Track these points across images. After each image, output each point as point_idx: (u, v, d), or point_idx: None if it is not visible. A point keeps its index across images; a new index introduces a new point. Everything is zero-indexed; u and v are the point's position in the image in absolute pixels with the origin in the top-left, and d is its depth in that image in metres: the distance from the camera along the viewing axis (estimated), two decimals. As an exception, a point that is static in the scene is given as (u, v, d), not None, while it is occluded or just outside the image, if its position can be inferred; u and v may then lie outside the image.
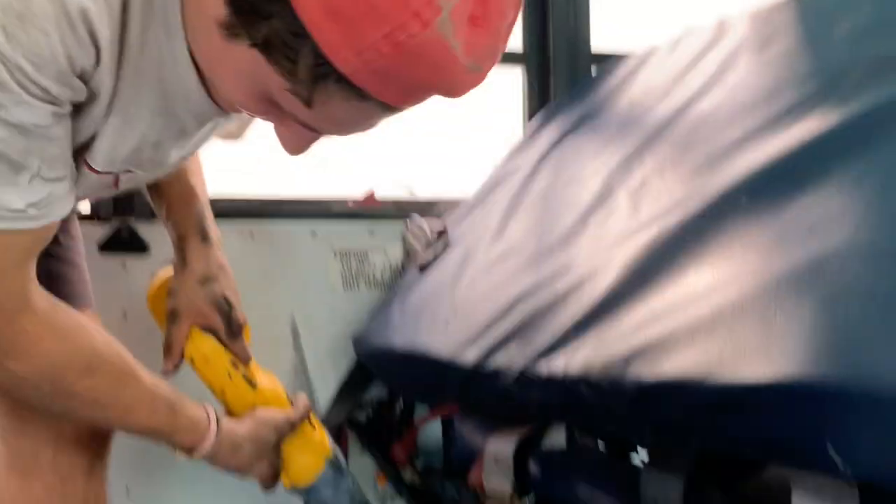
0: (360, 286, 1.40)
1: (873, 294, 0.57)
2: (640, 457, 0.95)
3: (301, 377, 1.35)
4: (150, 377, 0.87)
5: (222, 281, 0.98)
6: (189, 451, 0.91)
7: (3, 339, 0.74)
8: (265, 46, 0.58)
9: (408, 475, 1.23)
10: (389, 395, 1.32)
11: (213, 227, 1.00)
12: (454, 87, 0.61)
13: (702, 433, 0.67)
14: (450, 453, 1.11)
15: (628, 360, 0.73)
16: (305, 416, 1.02)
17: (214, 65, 0.66)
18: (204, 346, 0.97)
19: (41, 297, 0.76)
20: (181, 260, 0.98)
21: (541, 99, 1.63)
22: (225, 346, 0.98)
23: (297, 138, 0.67)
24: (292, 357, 1.36)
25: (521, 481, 0.93)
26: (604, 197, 1.02)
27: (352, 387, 1.35)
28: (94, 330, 0.83)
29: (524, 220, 1.16)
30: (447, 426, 1.12)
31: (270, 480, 1.01)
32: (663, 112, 1.08)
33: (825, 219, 0.66)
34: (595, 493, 0.86)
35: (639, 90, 1.22)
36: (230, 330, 0.97)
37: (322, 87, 0.59)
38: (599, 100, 1.30)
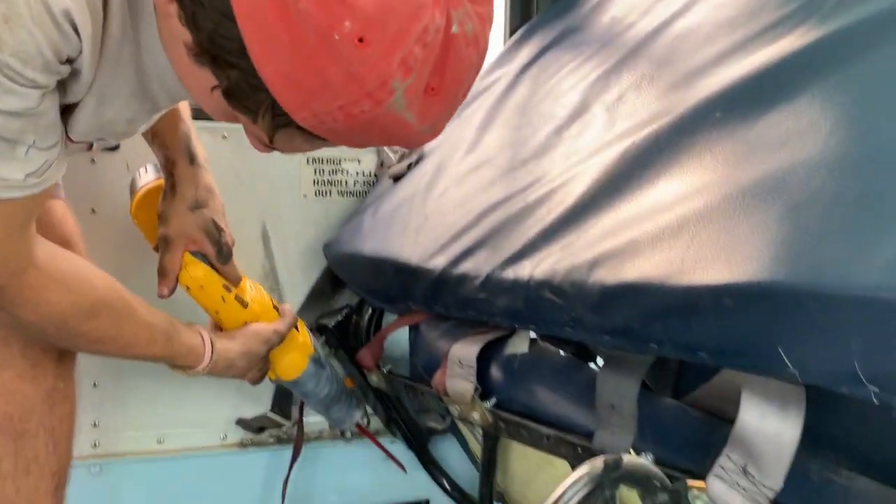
0: (332, 194, 1.40)
1: (836, 203, 0.57)
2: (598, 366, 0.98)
3: (271, 282, 1.36)
4: (146, 310, 0.91)
5: (211, 205, 1.01)
6: (186, 370, 0.97)
7: (10, 293, 0.77)
8: (227, 94, 0.62)
9: (374, 379, 1.25)
10: (359, 302, 1.34)
11: (199, 146, 1.02)
12: (409, 144, 0.68)
13: (659, 337, 0.68)
14: (416, 359, 1.13)
15: (592, 265, 0.74)
16: (292, 326, 1.08)
17: (183, 76, 0.69)
18: (198, 274, 1.00)
19: (42, 251, 0.80)
20: (171, 186, 1.00)
21: (523, 15, 1.61)
22: (216, 269, 1.01)
23: (264, 147, 0.71)
24: (262, 262, 1.36)
25: (484, 384, 0.96)
26: (580, 111, 1.02)
27: (321, 293, 1.36)
28: (95, 274, 0.86)
29: (500, 133, 1.16)
30: (414, 333, 1.14)
31: (258, 380, 1.09)
32: (644, 29, 1.07)
33: (796, 131, 0.66)
34: (554, 396, 0.88)
35: (621, 7, 1.20)
36: (221, 254, 1.00)
37: (283, 131, 0.63)
38: (581, 16, 1.28)
